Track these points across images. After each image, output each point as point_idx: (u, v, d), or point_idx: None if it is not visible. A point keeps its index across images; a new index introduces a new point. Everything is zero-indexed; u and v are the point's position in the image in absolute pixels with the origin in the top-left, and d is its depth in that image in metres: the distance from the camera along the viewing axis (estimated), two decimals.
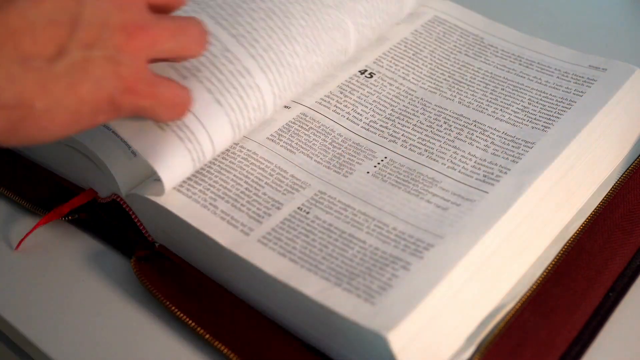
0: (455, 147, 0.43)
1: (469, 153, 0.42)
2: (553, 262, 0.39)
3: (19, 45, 0.30)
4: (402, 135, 0.44)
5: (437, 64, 0.50)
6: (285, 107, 0.46)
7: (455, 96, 0.47)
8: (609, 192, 0.43)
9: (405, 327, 0.33)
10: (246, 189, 0.40)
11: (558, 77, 0.47)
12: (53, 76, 0.31)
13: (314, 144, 0.43)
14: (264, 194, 0.40)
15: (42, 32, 0.30)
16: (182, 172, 0.39)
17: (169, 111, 0.36)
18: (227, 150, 0.43)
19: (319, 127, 0.45)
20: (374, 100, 0.47)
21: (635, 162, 0.45)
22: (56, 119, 0.32)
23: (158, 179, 0.41)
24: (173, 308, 0.38)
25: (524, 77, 0.48)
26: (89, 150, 0.42)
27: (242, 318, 0.38)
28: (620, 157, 0.45)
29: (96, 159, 0.42)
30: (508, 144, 0.43)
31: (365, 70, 0.49)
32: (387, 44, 0.51)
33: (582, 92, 0.46)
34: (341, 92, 0.47)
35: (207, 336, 0.37)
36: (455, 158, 0.42)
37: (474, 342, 0.36)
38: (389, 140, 0.44)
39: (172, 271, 0.41)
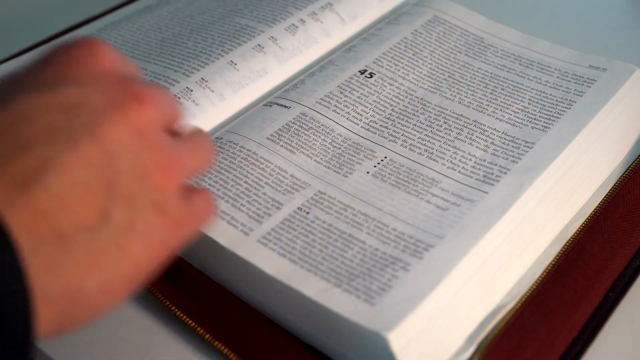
0: (455, 147, 0.43)
1: (469, 153, 0.42)
2: (553, 262, 0.39)
3: (55, 225, 0.25)
4: (402, 135, 0.44)
5: (437, 64, 0.50)
6: (284, 107, 0.46)
7: (455, 96, 0.47)
8: (609, 192, 0.43)
9: (405, 327, 0.33)
10: (246, 189, 0.40)
11: (558, 77, 0.47)
12: (100, 247, 0.26)
13: (313, 144, 0.43)
14: (264, 193, 0.40)
15: (78, 202, 0.26)
16: None
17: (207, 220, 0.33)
18: (227, 150, 0.43)
19: (319, 127, 0.45)
20: (374, 100, 0.47)
21: (635, 162, 0.45)
22: (113, 291, 0.28)
23: None
24: (173, 308, 0.38)
25: (524, 77, 0.48)
26: None
27: (242, 318, 0.38)
28: (620, 157, 0.45)
29: None
30: (508, 144, 0.43)
31: (365, 70, 0.49)
32: (387, 44, 0.51)
33: (582, 92, 0.46)
34: (341, 92, 0.47)
35: (207, 336, 0.37)
36: (455, 158, 0.42)
37: (474, 342, 0.35)
38: (389, 140, 0.44)
39: (172, 271, 0.41)
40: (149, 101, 0.28)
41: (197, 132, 0.33)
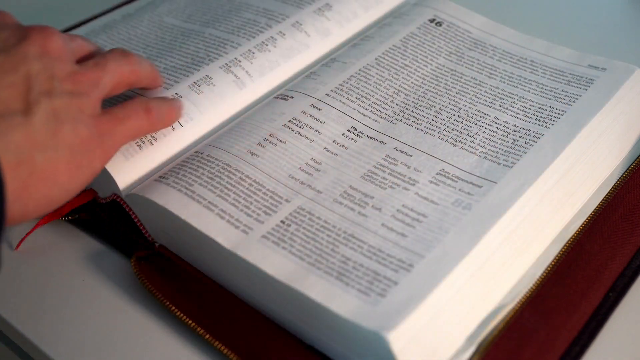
0: (455, 148, 0.43)
1: (469, 153, 0.42)
2: (553, 262, 0.39)
3: None
4: (401, 134, 0.44)
5: (436, 64, 0.50)
6: (288, 97, 0.46)
7: (454, 96, 0.47)
8: (609, 192, 0.43)
9: (405, 327, 0.33)
10: (247, 188, 0.40)
11: (558, 77, 0.47)
12: (35, 128, 0.33)
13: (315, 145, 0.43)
14: (265, 193, 0.40)
15: (6, 95, 0.33)
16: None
17: (145, 126, 0.40)
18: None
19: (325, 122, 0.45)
20: (374, 101, 0.47)
21: (635, 162, 0.45)
22: (58, 167, 0.34)
23: (158, 179, 0.41)
24: (173, 308, 0.38)
25: (524, 77, 0.48)
26: None
27: (242, 318, 0.38)
28: (620, 157, 0.45)
29: None
30: (508, 144, 0.43)
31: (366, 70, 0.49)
32: (387, 44, 0.51)
33: (581, 91, 0.46)
34: (342, 91, 0.47)
35: (207, 336, 0.37)
36: (454, 159, 0.42)
37: (474, 342, 0.36)
38: (392, 138, 0.44)
39: (172, 271, 0.41)
40: (48, 32, 0.36)
41: (106, 52, 0.40)
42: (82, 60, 0.39)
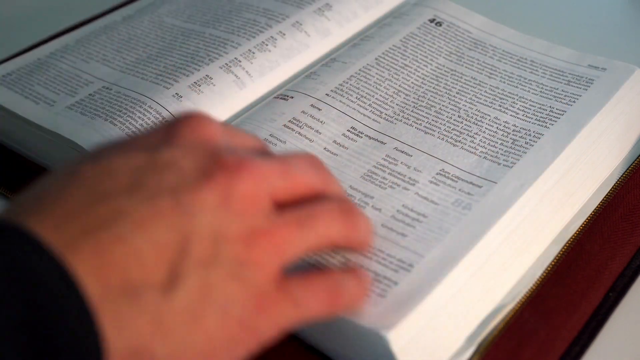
0: (455, 148, 0.43)
1: (469, 153, 0.42)
2: (553, 262, 0.39)
3: (126, 275, 0.24)
4: (401, 134, 0.44)
5: (436, 64, 0.50)
6: (286, 98, 0.46)
7: (454, 96, 0.47)
8: (609, 192, 0.43)
9: (405, 327, 0.33)
10: None
11: (557, 77, 0.47)
12: (171, 310, 0.25)
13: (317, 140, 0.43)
14: None
15: (149, 256, 0.25)
16: None
17: (324, 312, 0.30)
18: None
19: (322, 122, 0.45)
20: (374, 101, 0.47)
21: (635, 162, 0.45)
22: None
23: None
24: None
25: (524, 77, 0.48)
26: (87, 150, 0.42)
27: None
28: (620, 157, 0.45)
29: None
30: (508, 144, 0.43)
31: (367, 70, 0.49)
32: (387, 44, 0.51)
33: (581, 91, 0.46)
34: (342, 91, 0.47)
35: None
36: (454, 159, 0.42)
37: (474, 342, 0.35)
38: (392, 138, 0.44)
39: None
40: (241, 173, 0.28)
41: (321, 202, 0.30)
42: (288, 201, 0.29)
